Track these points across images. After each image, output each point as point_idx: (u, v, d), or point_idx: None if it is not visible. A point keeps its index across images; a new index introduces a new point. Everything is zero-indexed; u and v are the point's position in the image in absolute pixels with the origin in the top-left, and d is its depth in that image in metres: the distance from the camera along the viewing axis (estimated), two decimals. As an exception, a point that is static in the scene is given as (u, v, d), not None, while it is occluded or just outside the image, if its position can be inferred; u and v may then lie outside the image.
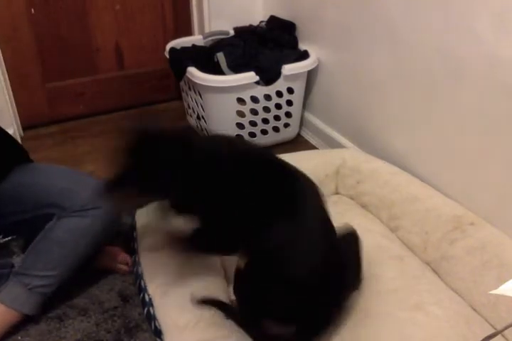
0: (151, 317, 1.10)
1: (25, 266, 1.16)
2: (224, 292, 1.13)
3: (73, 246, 1.17)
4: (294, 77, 1.80)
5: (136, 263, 1.24)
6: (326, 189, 1.53)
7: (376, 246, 1.28)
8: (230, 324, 1.05)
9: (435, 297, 1.12)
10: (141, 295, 1.15)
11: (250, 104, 1.78)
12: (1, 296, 1.14)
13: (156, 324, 1.06)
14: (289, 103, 1.87)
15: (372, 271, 1.18)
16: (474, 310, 1.11)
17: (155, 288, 1.12)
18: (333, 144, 1.86)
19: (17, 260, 1.26)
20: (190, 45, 1.94)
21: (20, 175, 1.24)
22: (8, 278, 1.18)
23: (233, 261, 1.25)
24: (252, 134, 1.87)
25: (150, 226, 1.28)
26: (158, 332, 1.06)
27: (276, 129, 1.91)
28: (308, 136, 2.04)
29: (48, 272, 1.15)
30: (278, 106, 1.86)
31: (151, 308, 1.10)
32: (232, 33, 2.02)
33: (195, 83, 1.72)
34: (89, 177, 1.25)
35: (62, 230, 1.16)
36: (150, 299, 1.11)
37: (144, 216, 1.32)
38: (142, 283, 1.16)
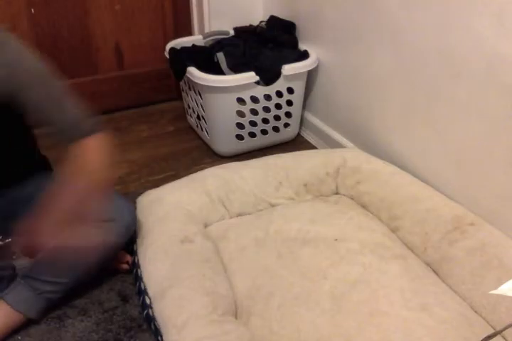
0: (150, 319, 1.10)
1: (36, 270, 1.16)
2: (226, 290, 1.13)
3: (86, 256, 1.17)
4: (294, 77, 1.80)
5: (135, 265, 1.24)
6: (326, 188, 1.53)
7: (379, 245, 1.28)
8: (229, 321, 1.05)
9: (439, 298, 1.12)
10: (141, 297, 1.15)
11: (250, 104, 1.78)
12: (8, 298, 1.14)
13: (156, 324, 1.07)
14: (289, 103, 1.87)
15: (376, 269, 1.19)
16: (475, 311, 1.11)
17: (154, 290, 1.12)
18: (333, 144, 1.86)
19: (18, 262, 1.25)
20: (190, 45, 1.94)
21: (38, 181, 1.24)
22: (9, 280, 1.18)
23: (235, 263, 1.25)
24: (252, 134, 1.87)
25: (149, 228, 1.28)
26: (157, 333, 1.06)
27: (276, 129, 1.91)
28: (308, 136, 2.04)
29: (58, 279, 1.15)
30: (278, 106, 1.86)
31: (150, 310, 1.10)
32: (232, 33, 2.02)
33: (195, 83, 1.72)
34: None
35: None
36: (150, 301, 1.11)
37: (143, 217, 1.32)
38: (142, 286, 1.16)
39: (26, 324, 1.17)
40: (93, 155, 1.09)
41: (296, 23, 1.91)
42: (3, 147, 1.20)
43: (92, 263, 1.19)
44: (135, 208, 1.34)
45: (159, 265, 1.17)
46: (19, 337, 1.16)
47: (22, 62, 1.01)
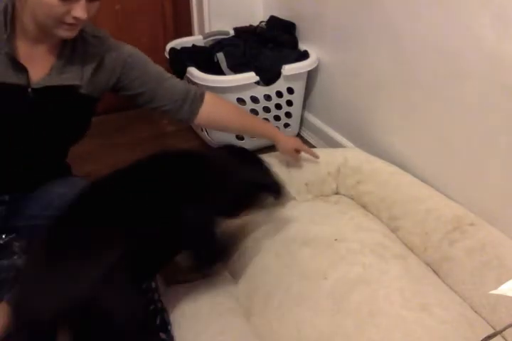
0: (157, 312, 1.10)
1: None
2: (227, 289, 1.13)
3: None
4: (294, 77, 1.80)
5: None
6: (327, 188, 1.54)
7: (379, 245, 1.28)
8: (230, 319, 1.06)
9: (438, 298, 1.12)
10: (150, 293, 1.15)
11: (250, 104, 1.78)
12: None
13: (164, 316, 1.08)
14: (289, 103, 1.87)
15: (376, 269, 1.19)
16: (475, 311, 1.11)
17: (162, 287, 1.13)
18: (333, 144, 1.86)
19: (21, 262, 1.25)
20: (190, 45, 1.94)
21: (56, 185, 1.27)
22: (14, 281, 1.17)
23: (235, 262, 1.25)
24: (252, 134, 1.87)
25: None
26: (164, 325, 1.06)
27: (276, 129, 1.91)
28: (308, 136, 2.04)
29: None
30: (278, 107, 1.86)
31: (158, 303, 1.11)
32: (232, 33, 2.02)
33: (195, 83, 1.72)
34: None
35: None
36: (159, 297, 1.11)
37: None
38: (152, 284, 1.16)
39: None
40: (224, 102, 1.37)
41: (296, 23, 1.91)
42: (45, 158, 1.23)
43: None
44: None
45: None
46: (19, 337, 1.16)
47: (124, 49, 1.21)
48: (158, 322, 1.09)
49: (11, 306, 0.98)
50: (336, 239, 1.29)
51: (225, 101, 1.39)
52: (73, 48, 1.13)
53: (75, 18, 1.00)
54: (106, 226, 0.94)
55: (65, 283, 0.86)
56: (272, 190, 1.23)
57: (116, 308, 0.89)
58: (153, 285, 1.15)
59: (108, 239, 0.92)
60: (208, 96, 1.32)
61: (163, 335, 1.07)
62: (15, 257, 1.31)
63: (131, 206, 0.96)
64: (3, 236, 1.34)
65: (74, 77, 1.13)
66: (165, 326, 1.06)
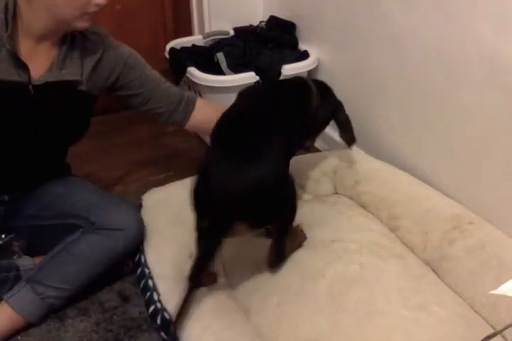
0: (157, 313, 1.10)
1: (41, 274, 1.16)
2: (229, 289, 1.13)
3: (93, 264, 1.18)
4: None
5: (141, 264, 1.23)
6: (323, 188, 1.54)
7: (377, 245, 1.28)
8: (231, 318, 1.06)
9: (437, 297, 1.12)
10: (148, 293, 1.15)
11: (250, 104, 1.78)
12: (12, 301, 1.14)
13: (165, 315, 1.07)
14: (289, 103, 1.87)
15: (374, 268, 1.19)
16: (475, 311, 1.11)
17: (164, 289, 1.13)
18: (333, 144, 1.85)
19: (23, 263, 1.24)
20: (190, 45, 1.94)
21: (55, 185, 1.28)
22: (13, 281, 1.17)
23: (235, 263, 1.26)
24: (252, 134, 1.87)
25: (156, 226, 1.28)
26: (166, 325, 1.06)
27: (276, 129, 1.91)
28: (308, 136, 2.04)
29: (63, 285, 1.16)
30: (278, 106, 1.85)
31: (158, 304, 1.10)
32: (232, 33, 2.02)
33: (195, 83, 1.72)
34: (119, 200, 1.28)
35: (87, 246, 1.17)
36: (158, 296, 1.11)
37: (150, 216, 1.32)
38: (150, 283, 1.16)
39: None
40: (214, 107, 1.34)
41: (296, 23, 1.91)
42: (45, 158, 1.24)
43: (98, 271, 1.19)
44: (140, 209, 1.35)
45: (169, 269, 1.18)
46: (19, 337, 1.16)
47: (124, 49, 1.25)
48: (158, 322, 1.09)
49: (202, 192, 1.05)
50: (333, 240, 1.29)
51: (216, 106, 1.37)
52: (73, 44, 1.14)
53: (96, 5, 1.06)
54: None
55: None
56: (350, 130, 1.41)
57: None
58: (152, 284, 1.15)
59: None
60: (199, 101, 1.36)
61: (164, 335, 1.07)
62: (15, 257, 1.31)
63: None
64: (3, 236, 1.33)
65: (74, 72, 1.14)
66: (166, 326, 1.06)
